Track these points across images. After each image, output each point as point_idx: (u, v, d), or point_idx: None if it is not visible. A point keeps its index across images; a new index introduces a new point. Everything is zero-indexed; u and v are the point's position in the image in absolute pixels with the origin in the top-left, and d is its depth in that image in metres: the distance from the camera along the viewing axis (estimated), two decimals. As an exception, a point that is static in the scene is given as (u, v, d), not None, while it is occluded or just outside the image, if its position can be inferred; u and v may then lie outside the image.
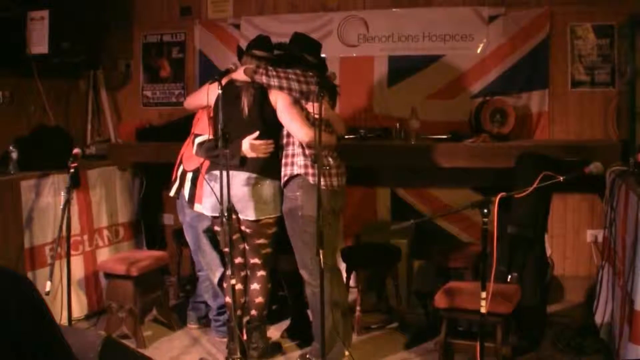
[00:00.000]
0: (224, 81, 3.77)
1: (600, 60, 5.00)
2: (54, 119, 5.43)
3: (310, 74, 3.80)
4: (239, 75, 3.88)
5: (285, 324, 4.63)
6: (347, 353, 3.91)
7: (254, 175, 3.86)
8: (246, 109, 3.88)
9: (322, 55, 4.14)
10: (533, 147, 4.60)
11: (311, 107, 3.74)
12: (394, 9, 5.39)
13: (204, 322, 4.67)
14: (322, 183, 3.62)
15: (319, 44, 4.10)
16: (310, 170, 3.74)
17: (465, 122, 5.10)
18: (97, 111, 6.09)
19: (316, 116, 3.55)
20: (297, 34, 4.11)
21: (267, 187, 3.90)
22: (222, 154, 3.60)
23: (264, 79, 3.78)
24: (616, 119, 4.90)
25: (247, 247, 4.06)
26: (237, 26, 5.73)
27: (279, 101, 3.84)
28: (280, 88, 3.78)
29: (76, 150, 4.01)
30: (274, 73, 3.77)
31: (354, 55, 5.44)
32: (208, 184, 3.92)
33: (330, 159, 3.78)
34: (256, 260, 4.05)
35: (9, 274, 1.58)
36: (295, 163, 3.80)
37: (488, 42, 5.18)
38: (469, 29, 5.20)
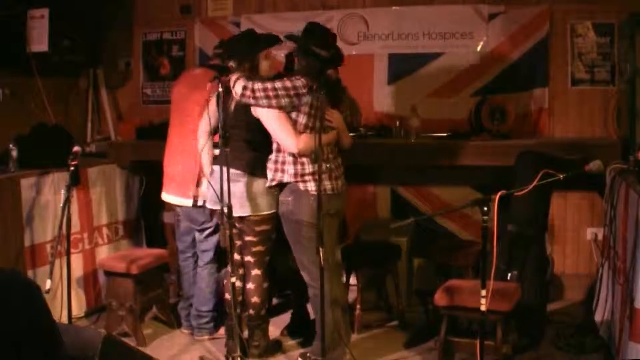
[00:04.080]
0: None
1: (600, 58, 5.00)
2: (54, 117, 5.42)
3: (301, 80, 3.67)
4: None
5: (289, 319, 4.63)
6: (347, 352, 3.90)
7: (238, 171, 3.87)
8: (232, 107, 3.88)
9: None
10: (533, 145, 4.60)
11: (330, 114, 3.75)
12: (393, 7, 5.39)
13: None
14: (314, 188, 3.60)
15: (331, 35, 3.91)
16: (299, 179, 3.70)
17: (465, 120, 5.10)
18: (97, 109, 6.09)
19: (330, 123, 3.67)
20: (309, 24, 3.92)
21: (252, 185, 3.89)
22: (222, 152, 3.63)
23: (251, 102, 3.69)
24: (616, 117, 4.90)
25: (242, 245, 4.08)
26: (237, 24, 5.72)
27: (262, 110, 3.80)
28: (270, 107, 3.68)
29: (76, 148, 4.01)
30: (262, 94, 3.63)
31: (354, 53, 5.43)
32: (207, 178, 3.98)
33: (323, 164, 3.69)
34: (249, 258, 4.06)
35: (10, 274, 1.57)
36: (285, 171, 3.74)
37: (488, 40, 5.17)
38: (469, 27, 5.20)
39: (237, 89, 3.70)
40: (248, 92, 3.66)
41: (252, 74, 3.85)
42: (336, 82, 3.93)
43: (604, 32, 4.97)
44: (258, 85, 3.65)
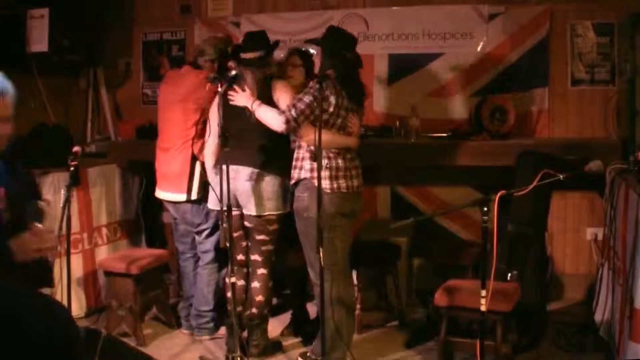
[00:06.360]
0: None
1: (600, 58, 5.00)
2: (54, 117, 5.43)
3: (313, 82, 3.67)
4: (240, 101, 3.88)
5: (289, 318, 4.62)
6: (348, 353, 3.90)
7: (257, 170, 3.89)
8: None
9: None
10: (533, 145, 4.60)
11: (351, 119, 3.76)
12: (394, 7, 5.39)
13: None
14: (329, 186, 3.61)
15: (355, 40, 3.89)
16: (315, 174, 3.70)
17: (465, 120, 5.10)
18: (97, 109, 6.09)
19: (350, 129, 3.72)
20: (332, 28, 3.94)
21: (269, 183, 3.92)
22: (222, 152, 3.63)
23: (297, 129, 3.71)
24: (616, 117, 4.90)
25: (249, 244, 4.08)
26: (237, 24, 5.72)
27: (281, 99, 3.88)
28: (310, 121, 3.68)
29: (76, 148, 4.00)
30: (302, 118, 3.62)
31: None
32: (208, 180, 4.00)
33: (339, 161, 3.71)
34: (256, 257, 4.07)
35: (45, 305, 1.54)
36: (303, 167, 3.77)
37: (488, 40, 5.17)
38: (469, 27, 5.20)
39: (276, 124, 3.69)
40: (292, 124, 3.65)
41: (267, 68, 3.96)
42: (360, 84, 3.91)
43: (604, 32, 4.97)
44: (294, 113, 3.64)
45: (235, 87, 3.90)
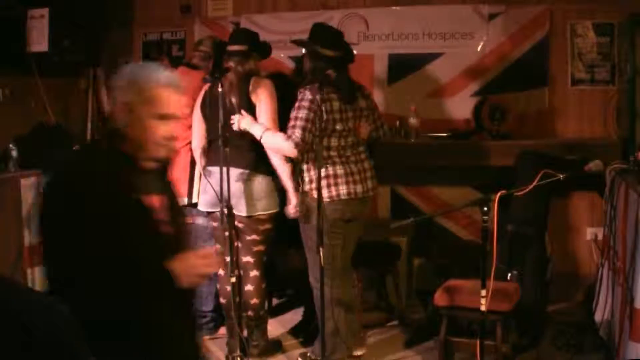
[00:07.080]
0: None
1: (600, 58, 5.00)
2: (54, 117, 5.42)
3: (308, 92, 3.66)
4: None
5: (289, 318, 4.61)
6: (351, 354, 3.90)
7: (246, 171, 3.88)
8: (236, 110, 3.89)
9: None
10: (533, 145, 4.60)
11: (361, 126, 3.77)
12: (394, 7, 5.39)
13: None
14: (327, 194, 3.60)
15: (337, 34, 3.89)
16: (313, 186, 3.68)
17: (465, 120, 5.10)
18: (97, 109, 6.08)
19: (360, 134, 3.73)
20: (315, 26, 3.90)
21: (259, 183, 3.91)
22: (222, 153, 3.63)
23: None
24: (616, 117, 4.90)
25: (239, 245, 4.07)
26: (237, 24, 5.72)
27: (263, 104, 3.85)
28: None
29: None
30: (306, 135, 3.58)
31: (354, 53, 5.41)
32: (206, 178, 3.98)
33: (337, 168, 3.71)
34: (249, 259, 4.05)
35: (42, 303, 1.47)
36: (303, 179, 3.79)
37: (488, 40, 5.17)
38: (469, 27, 5.20)
39: (287, 151, 3.67)
40: (302, 145, 3.60)
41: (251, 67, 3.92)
42: (348, 81, 3.88)
43: (604, 32, 4.97)
44: (298, 134, 3.58)
45: (242, 111, 3.88)
